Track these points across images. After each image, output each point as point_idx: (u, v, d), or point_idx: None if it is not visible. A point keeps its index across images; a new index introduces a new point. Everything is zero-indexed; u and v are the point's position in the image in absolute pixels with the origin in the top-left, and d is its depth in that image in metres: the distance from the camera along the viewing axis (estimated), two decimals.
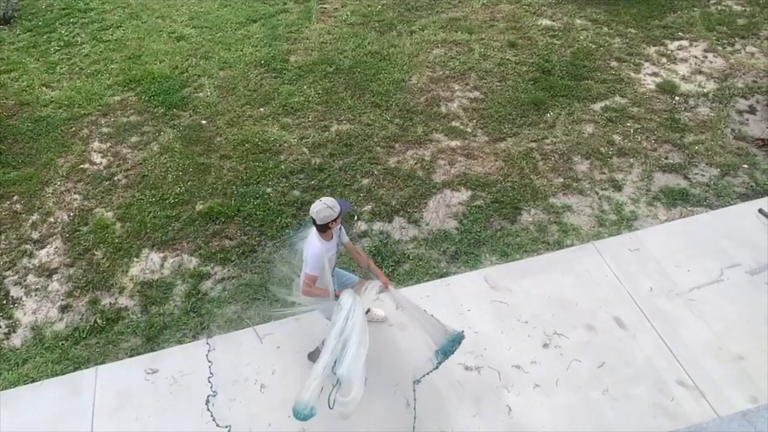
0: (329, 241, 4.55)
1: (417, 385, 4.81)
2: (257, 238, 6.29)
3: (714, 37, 9.00)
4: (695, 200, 6.61)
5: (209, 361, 5.22)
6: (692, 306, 5.54)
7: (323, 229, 4.45)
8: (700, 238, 6.14)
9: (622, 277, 5.79)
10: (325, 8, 9.88)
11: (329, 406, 4.28)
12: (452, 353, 4.67)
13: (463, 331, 4.73)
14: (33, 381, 5.22)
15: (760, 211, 6.32)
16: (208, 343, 5.36)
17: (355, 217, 6.44)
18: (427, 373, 4.75)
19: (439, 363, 4.69)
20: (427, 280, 5.84)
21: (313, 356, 5.04)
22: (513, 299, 5.64)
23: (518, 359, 5.20)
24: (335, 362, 4.34)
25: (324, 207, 4.36)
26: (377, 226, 6.40)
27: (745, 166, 6.98)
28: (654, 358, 5.17)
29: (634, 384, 5.01)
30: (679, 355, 5.18)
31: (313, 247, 4.46)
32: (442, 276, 5.89)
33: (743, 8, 9.64)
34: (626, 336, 5.34)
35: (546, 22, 9.38)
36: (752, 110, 7.78)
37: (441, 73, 8.39)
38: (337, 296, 4.58)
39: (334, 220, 4.42)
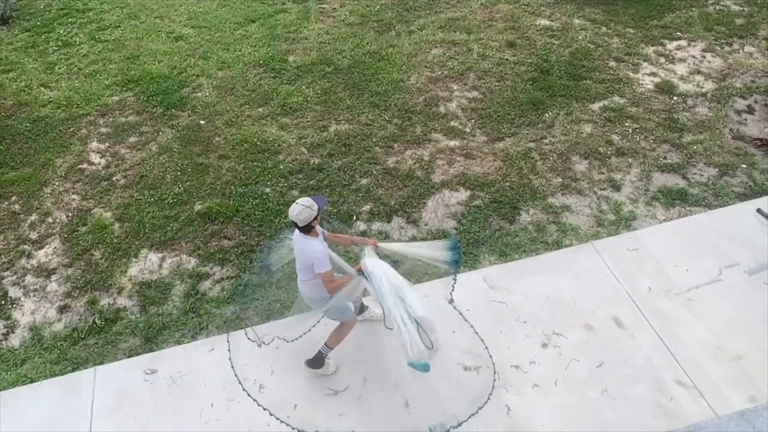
0: (318, 237, 4.57)
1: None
2: (256, 238, 6.28)
3: (712, 37, 9.01)
4: (694, 200, 6.61)
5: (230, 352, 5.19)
6: (691, 306, 5.54)
7: (307, 229, 4.44)
8: (698, 237, 6.15)
9: (620, 276, 5.80)
10: (323, 8, 9.88)
11: (429, 347, 4.41)
12: (461, 258, 4.80)
13: (453, 235, 4.82)
14: (32, 381, 5.21)
15: (759, 210, 6.33)
16: (228, 341, 5.38)
17: (354, 217, 6.44)
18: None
19: (456, 273, 4.84)
20: (426, 280, 5.83)
21: (312, 363, 5.05)
22: (512, 299, 5.64)
23: (517, 359, 5.20)
24: (407, 312, 4.40)
25: (303, 208, 4.35)
26: (376, 226, 6.40)
27: (744, 165, 6.99)
28: (653, 357, 5.18)
29: (632, 384, 5.01)
30: (677, 354, 5.18)
31: (313, 246, 4.47)
32: (441, 276, 5.88)
33: (741, 8, 9.66)
34: (625, 336, 5.35)
35: (544, 22, 9.38)
36: (750, 110, 7.78)
37: (440, 73, 8.39)
38: (359, 271, 4.57)
39: (315, 218, 4.41)
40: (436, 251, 4.83)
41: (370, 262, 4.57)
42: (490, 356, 5.17)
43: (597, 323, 5.44)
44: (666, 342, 5.27)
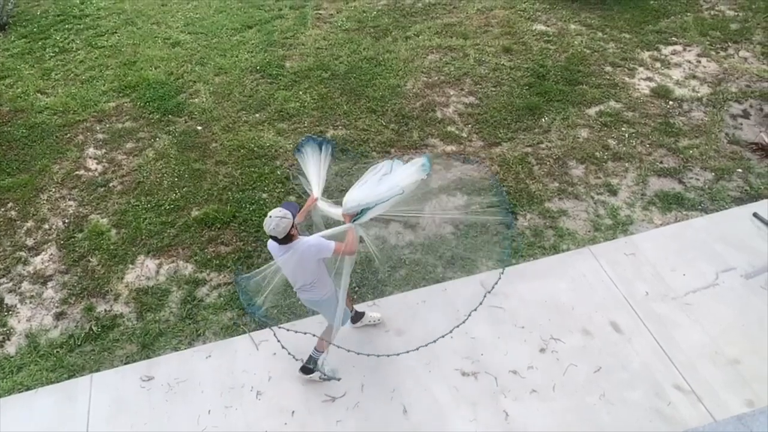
0: (299, 238, 4.41)
1: None
2: (253, 244, 6.27)
3: (707, 42, 9.05)
4: (690, 204, 6.63)
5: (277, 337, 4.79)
6: (688, 310, 5.55)
7: (288, 238, 4.28)
8: (695, 242, 6.16)
9: (617, 281, 5.80)
10: (320, 14, 9.91)
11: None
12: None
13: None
14: (28, 389, 5.19)
15: (755, 215, 6.35)
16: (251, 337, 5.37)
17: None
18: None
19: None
20: (424, 286, 5.84)
21: (305, 370, 5.03)
22: (509, 304, 5.64)
23: (515, 364, 5.19)
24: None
25: (279, 219, 4.19)
26: (373, 231, 6.39)
27: (740, 170, 7.01)
28: (650, 362, 5.18)
29: (630, 388, 5.01)
30: (675, 359, 5.18)
31: (305, 245, 4.35)
32: (438, 281, 5.89)
33: (736, 13, 9.71)
34: (622, 340, 5.35)
35: (540, 27, 9.42)
36: (746, 114, 7.82)
37: (436, 78, 8.41)
38: (349, 219, 4.54)
39: (293, 226, 4.29)
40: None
41: (347, 200, 4.55)
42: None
43: (594, 328, 5.44)
44: (663, 346, 5.28)
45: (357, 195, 4.56)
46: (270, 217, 4.24)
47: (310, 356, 5.02)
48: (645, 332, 5.39)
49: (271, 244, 4.46)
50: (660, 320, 5.47)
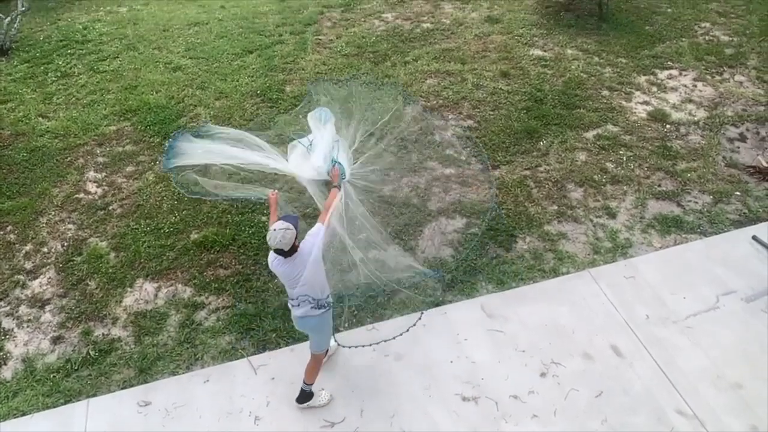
0: (299, 249, 4.45)
1: None
2: (252, 267, 6.26)
3: (703, 67, 9.16)
4: (689, 227, 6.64)
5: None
6: (689, 334, 5.52)
7: (293, 250, 4.32)
8: (695, 265, 6.16)
9: (618, 304, 5.79)
10: (320, 39, 10.03)
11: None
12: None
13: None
14: (23, 414, 5.13)
15: (754, 237, 6.36)
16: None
17: (351, 245, 6.41)
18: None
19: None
20: (423, 309, 5.81)
21: (301, 399, 5.00)
22: (510, 328, 5.61)
23: (516, 389, 5.15)
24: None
25: (284, 231, 4.23)
26: (372, 253, 6.38)
27: (738, 193, 7.04)
28: (652, 386, 5.14)
29: (632, 413, 4.96)
30: (677, 383, 5.14)
31: (308, 242, 4.41)
32: (438, 304, 5.87)
33: (730, 38, 9.84)
34: (623, 364, 5.31)
35: (537, 52, 9.53)
36: (743, 138, 7.87)
37: (435, 102, 8.48)
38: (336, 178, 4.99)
39: (296, 236, 4.31)
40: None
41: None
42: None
43: (595, 352, 5.41)
44: (665, 370, 5.24)
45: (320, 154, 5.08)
46: (274, 230, 4.26)
47: (302, 390, 4.95)
48: (646, 356, 5.36)
49: (276, 263, 4.44)
50: (661, 344, 5.44)
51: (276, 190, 5.10)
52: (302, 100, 7.26)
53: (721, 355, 5.34)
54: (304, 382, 4.94)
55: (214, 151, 5.44)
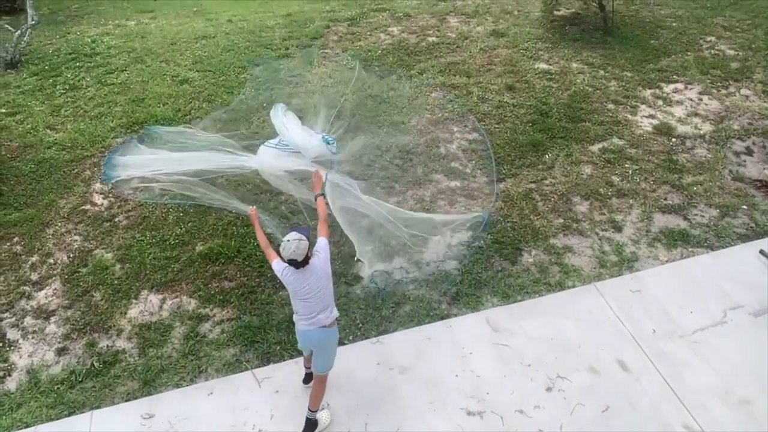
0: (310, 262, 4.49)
1: None
2: (256, 279, 6.26)
3: (708, 80, 9.17)
4: (696, 241, 6.61)
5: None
6: (696, 348, 5.48)
7: (306, 261, 4.37)
8: (701, 279, 6.12)
9: (624, 318, 5.75)
10: (326, 53, 10.10)
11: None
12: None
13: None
14: (27, 426, 5.11)
15: (762, 252, 6.32)
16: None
17: (355, 258, 6.42)
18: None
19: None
20: (428, 322, 5.79)
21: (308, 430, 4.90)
22: (515, 341, 5.58)
23: (521, 403, 5.10)
24: None
25: (298, 242, 4.28)
26: (378, 266, 6.38)
27: (745, 207, 7.01)
28: (659, 401, 5.08)
29: (639, 428, 4.91)
30: (684, 398, 5.09)
31: (318, 254, 4.47)
32: (443, 318, 5.84)
33: (736, 53, 9.86)
34: (630, 379, 5.27)
35: (543, 66, 9.56)
36: (749, 152, 7.86)
37: (440, 115, 8.51)
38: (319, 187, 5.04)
39: (309, 247, 4.37)
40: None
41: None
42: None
43: (601, 366, 5.36)
44: (672, 386, 5.19)
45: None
46: (288, 241, 4.29)
47: (308, 420, 4.83)
48: (653, 371, 5.31)
49: (287, 273, 4.44)
50: (668, 359, 5.39)
51: (253, 207, 5.19)
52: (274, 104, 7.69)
53: (729, 370, 5.29)
54: (309, 410, 4.81)
55: (164, 158, 5.58)
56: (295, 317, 4.68)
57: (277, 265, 4.51)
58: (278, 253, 4.50)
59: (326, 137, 6.63)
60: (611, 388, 5.20)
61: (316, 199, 4.99)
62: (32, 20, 10.41)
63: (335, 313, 4.67)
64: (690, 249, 6.53)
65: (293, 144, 6.66)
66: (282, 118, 6.32)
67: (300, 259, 4.31)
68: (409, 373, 5.32)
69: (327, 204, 5.02)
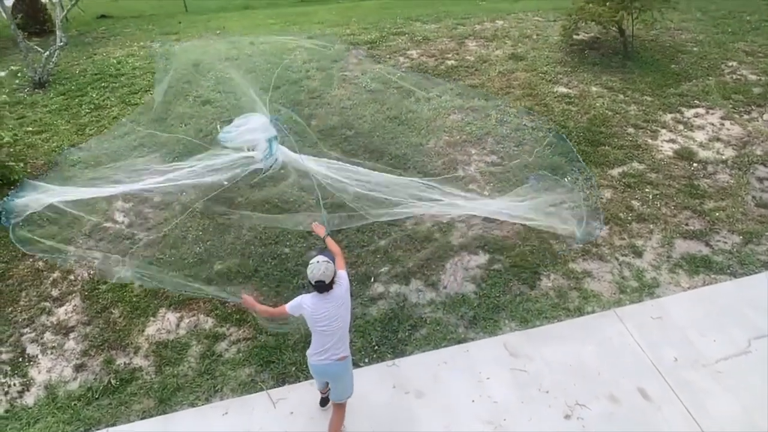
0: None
1: None
2: (274, 299, 6.26)
3: (730, 105, 9.09)
4: (718, 268, 6.49)
5: None
6: (719, 378, 5.35)
7: (332, 285, 4.42)
8: (725, 306, 6.00)
9: (645, 346, 5.64)
10: (346, 75, 10.19)
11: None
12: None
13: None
14: None
15: None
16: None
17: (372, 279, 6.41)
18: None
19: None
20: (445, 346, 5.74)
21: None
22: (533, 367, 5.50)
23: (539, 431, 5.01)
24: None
25: (326, 263, 4.35)
26: (393, 288, 6.36)
27: None
28: None
29: None
30: (707, 429, 4.97)
31: (340, 282, 4.51)
32: (460, 342, 5.79)
33: (758, 77, 9.77)
34: (651, 408, 5.15)
35: (562, 89, 9.56)
36: None
37: (458, 137, 8.52)
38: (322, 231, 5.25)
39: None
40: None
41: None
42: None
43: (622, 394, 5.26)
44: (695, 416, 5.07)
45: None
46: (318, 262, 4.36)
47: None
48: (675, 400, 5.19)
49: (315, 306, 4.44)
50: (690, 388, 5.28)
51: (244, 293, 5.35)
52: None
53: (753, 401, 5.16)
54: None
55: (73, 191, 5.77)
56: (308, 352, 4.68)
57: (292, 302, 4.56)
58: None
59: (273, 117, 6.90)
60: (632, 417, 5.09)
61: (324, 240, 5.10)
62: (60, 42, 10.70)
63: (348, 353, 4.65)
64: (712, 276, 6.42)
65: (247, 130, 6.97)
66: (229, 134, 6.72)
67: (327, 281, 4.36)
68: (425, 398, 5.26)
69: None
